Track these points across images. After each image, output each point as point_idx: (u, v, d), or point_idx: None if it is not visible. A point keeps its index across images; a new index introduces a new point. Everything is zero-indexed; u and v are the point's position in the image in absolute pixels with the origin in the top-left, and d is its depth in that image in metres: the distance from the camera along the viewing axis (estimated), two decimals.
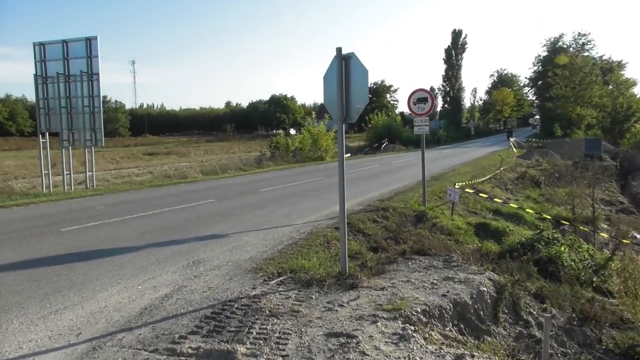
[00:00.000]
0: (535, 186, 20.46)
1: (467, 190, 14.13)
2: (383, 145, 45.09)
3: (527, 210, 13.26)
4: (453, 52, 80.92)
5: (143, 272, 6.33)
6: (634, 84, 54.96)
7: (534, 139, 49.96)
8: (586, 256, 8.90)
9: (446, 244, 9.27)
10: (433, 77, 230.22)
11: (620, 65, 60.44)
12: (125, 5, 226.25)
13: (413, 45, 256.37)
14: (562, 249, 8.53)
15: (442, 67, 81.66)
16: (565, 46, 65.65)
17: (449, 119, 76.95)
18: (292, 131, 69.13)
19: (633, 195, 20.28)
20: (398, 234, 9.29)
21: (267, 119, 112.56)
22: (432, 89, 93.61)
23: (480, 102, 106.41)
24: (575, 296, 6.65)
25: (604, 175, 22.75)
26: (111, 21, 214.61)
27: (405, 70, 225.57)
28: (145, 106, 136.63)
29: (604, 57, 62.26)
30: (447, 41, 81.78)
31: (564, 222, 12.46)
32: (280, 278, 6.13)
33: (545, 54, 69.16)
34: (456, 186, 11.67)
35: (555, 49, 66.59)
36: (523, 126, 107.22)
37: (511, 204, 13.79)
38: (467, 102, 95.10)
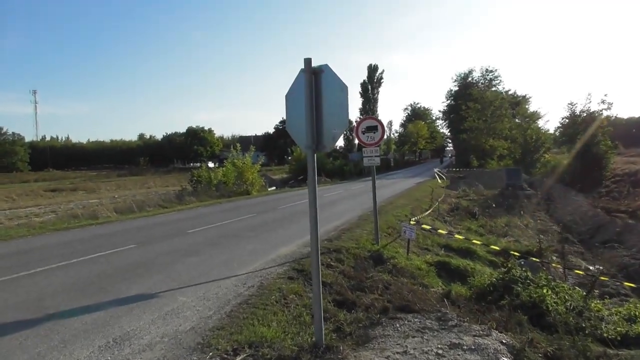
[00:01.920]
0: (471, 217, 20.21)
1: (424, 226, 13.24)
2: None
3: (493, 246, 12.48)
4: (369, 87, 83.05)
5: None
6: (540, 116, 58.82)
7: (453, 169, 51.49)
8: (566, 297, 8.13)
9: (413, 290, 8.13)
10: (350, 110, 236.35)
11: (525, 99, 64.83)
12: (22, 30, 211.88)
13: None
14: (545, 291, 7.67)
15: (359, 101, 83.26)
16: (474, 81, 69.43)
17: None
18: (211, 164, 66.60)
19: (563, 224, 20.65)
20: (361, 281, 8.00)
21: (184, 151, 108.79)
22: (349, 122, 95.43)
23: (396, 135, 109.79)
24: (585, 352, 5.67)
25: (531, 204, 23.13)
26: (7, 45, 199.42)
27: None
28: (48, 139, 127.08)
29: (509, 92, 66.50)
30: (363, 75, 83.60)
31: (531, 257, 11.83)
32: (238, 359, 4.58)
33: (457, 88, 72.81)
34: (411, 222, 10.69)
35: (465, 83, 70.28)
36: (436, 157, 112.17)
37: (474, 240, 13.05)
38: None
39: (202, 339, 5.05)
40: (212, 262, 8.86)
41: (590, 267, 12.58)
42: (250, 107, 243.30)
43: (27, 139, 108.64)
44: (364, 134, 10.65)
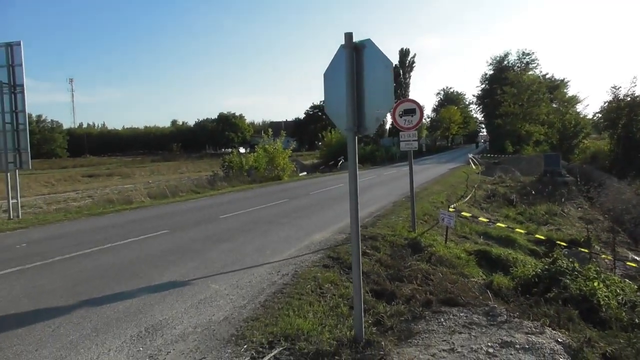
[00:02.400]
0: (509, 204, 19.54)
1: (463, 214, 12.77)
2: (340, 163, 43.77)
3: (538, 235, 11.80)
4: (401, 71, 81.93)
5: (72, 352, 4.36)
6: (579, 101, 56.64)
7: (487, 155, 50.21)
8: (618, 290, 7.62)
9: (454, 280, 7.77)
10: None
11: (563, 83, 62.43)
12: (59, 21, 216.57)
13: None
14: (596, 284, 7.18)
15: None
16: (510, 65, 67.22)
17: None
18: (242, 150, 66.99)
19: (606, 212, 19.76)
20: (399, 270, 7.67)
21: (216, 137, 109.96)
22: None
23: (428, 120, 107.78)
24: None
25: (571, 191, 22.22)
26: (44, 37, 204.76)
27: None
28: (85, 126, 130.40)
29: (547, 76, 64.15)
30: (395, 60, 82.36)
31: (576, 247, 11.24)
32: (274, 352, 4.34)
33: (492, 72, 70.65)
34: (450, 209, 10.24)
35: (500, 67, 68.10)
36: (469, 143, 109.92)
37: (517, 228, 12.49)
38: None
39: (236, 330, 4.84)
40: (245, 249, 8.67)
41: (638, 258, 11.89)
42: (281, 93, 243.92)
43: (65, 126, 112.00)
44: (401, 117, 10.22)
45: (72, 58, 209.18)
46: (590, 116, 52.13)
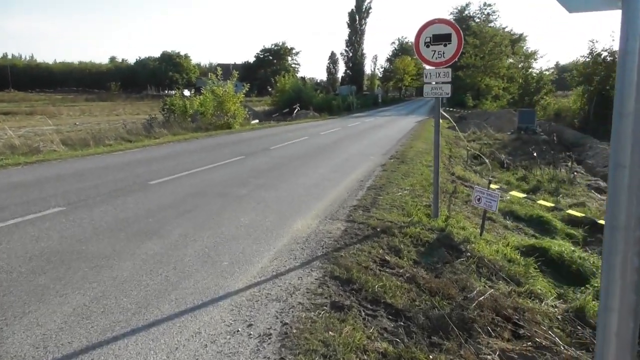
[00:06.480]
0: (500, 167, 16.80)
1: (514, 194, 9.60)
2: (295, 111, 39.87)
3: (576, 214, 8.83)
4: (357, 16, 78.58)
5: None
6: (539, 56, 54.95)
7: (450, 109, 47.76)
8: None
9: (529, 309, 4.71)
10: (336, 42, 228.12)
11: (522, 37, 60.50)
12: None
13: (315, 8, 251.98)
14: None
15: (346, 32, 79.02)
16: (471, 15, 64.65)
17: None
18: (186, 92, 61.16)
19: (602, 176, 17.43)
20: (451, 298, 4.45)
21: (158, 78, 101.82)
22: (333, 54, 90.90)
23: (381, 70, 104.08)
24: None
25: (551, 151, 19.76)
26: None
27: (307, 34, 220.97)
28: (10, 57, 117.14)
29: (506, 29, 61.84)
30: (352, 4, 78.71)
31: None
32: None
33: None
34: (492, 186, 7.08)
35: (462, 17, 65.38)
36: (420, 95, 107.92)
37: (540, 201, 9.39)
38: (367, 69, 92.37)
39: None
40: (185, 255, 5.10)
41: None
42: (229, 34, 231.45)
43: None
44: (427, 46, 6.75)
45: None
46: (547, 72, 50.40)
